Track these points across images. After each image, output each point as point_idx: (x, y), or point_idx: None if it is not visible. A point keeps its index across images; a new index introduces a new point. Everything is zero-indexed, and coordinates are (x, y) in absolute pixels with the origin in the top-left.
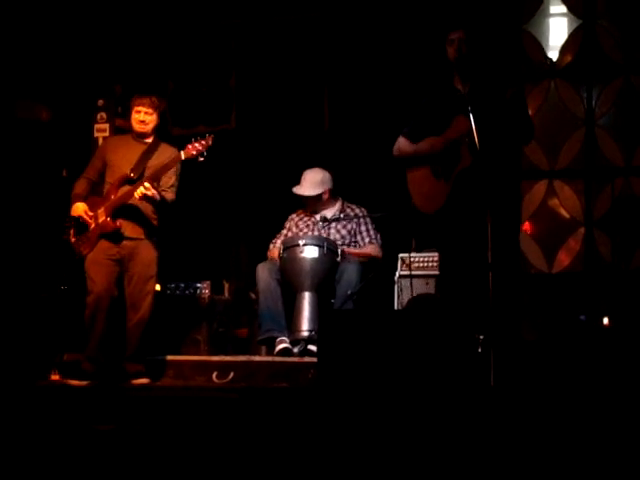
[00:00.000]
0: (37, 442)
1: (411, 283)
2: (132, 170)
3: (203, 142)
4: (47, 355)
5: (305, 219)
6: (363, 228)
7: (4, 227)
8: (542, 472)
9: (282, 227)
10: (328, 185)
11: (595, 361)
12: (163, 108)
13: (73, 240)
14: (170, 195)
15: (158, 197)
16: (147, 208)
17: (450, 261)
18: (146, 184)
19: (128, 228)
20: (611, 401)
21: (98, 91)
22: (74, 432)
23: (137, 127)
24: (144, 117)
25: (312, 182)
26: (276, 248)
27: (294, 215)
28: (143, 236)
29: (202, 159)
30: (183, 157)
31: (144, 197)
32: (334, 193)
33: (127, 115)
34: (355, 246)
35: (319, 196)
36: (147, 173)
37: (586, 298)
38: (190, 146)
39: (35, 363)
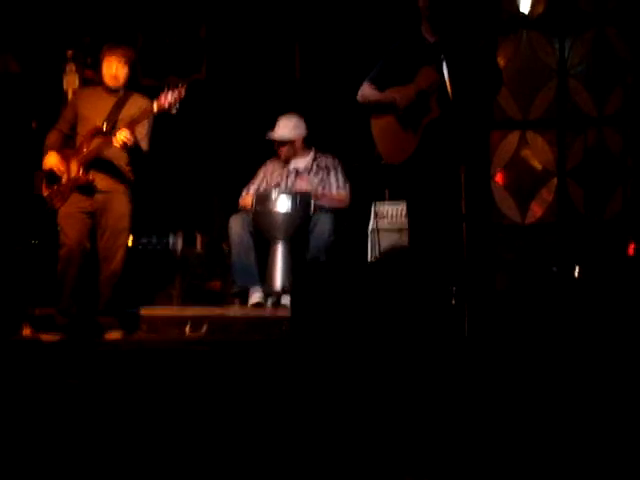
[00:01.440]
0: (8, 398)
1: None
2: (105, 122)
3: (175, 93)
4: (18, 309)
5: (278, 168)
6: (332, 175)
7: None
8: (515, 424)
9: (255, 174)
10: (301, 131)
11: (567, 312)
12: (134, 58)
13: (45, 193)
14: (144, 145)
15: (134, 144)
16: (120, 160)
17: (421, 212)
18: (125, 131)
19: (101, 181)
20: (581, 351)
21: (67, 42)
22: (46, 387)
23: (109, 81)
24: (116, 70)
25: (286, 127)
26: (249, 196)
27: (268, 162)
28: (116, 189)
29: (175, 112)
30: (155, 109)
31: (123, 145)
32: (307, 143)
33: (97, 67)
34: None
35: (292, 143)
36: (120, 125)
37: (559, 249)
38: (162, 97)
39: (6, 318)
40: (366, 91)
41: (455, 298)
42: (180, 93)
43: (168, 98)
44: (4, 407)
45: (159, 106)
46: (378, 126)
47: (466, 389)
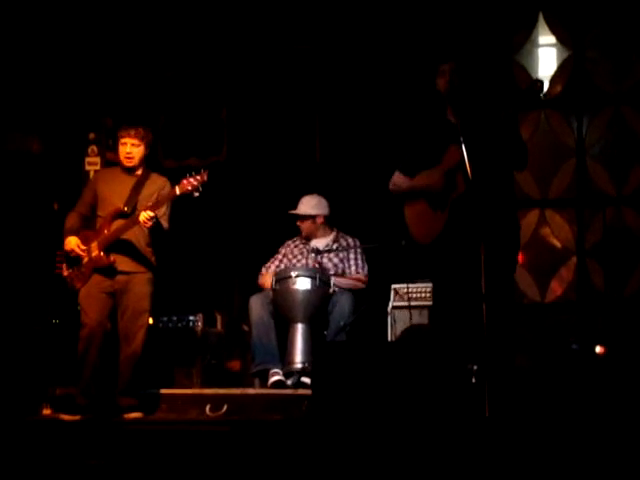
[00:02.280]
0: (30, 478)
1: (406, 314)
2: (125, 204)
3: (198, 177)
4: (39, 389)
5: (300, 246)
6: (352, 257)
7: None
8: None
9: (276, 252)
10: (324, 210)
11: (588, 389)
12: (151, 138)
13: (66, 274)
14: (165, 224)
15: (155, 224)
16: (141, 242)
17: (443, 291)
18: (148, 212)
19: (122, 262)
20: (604, 429)
21: (89, 124)
22: (66, 467)
23: (124, 161)
24: (130, 149)
25: (307, 204)
26: (268, 274)
27: (289, 242)
28: (137, 270)
29: (197, 194)
30: (178, 192)
31: (145, 225)
32: (330, 223)
33: (115, 148)
34: (344, 274)
35: (313, 220)
36: (140, 205)
37: (579, 327)
38: (185, 181)
39: (27, 397)
40: (397, 180)
41: (475, 377)
42: (203, 178)
43: (191, 182)
44: None
45: (182, 190)
46: (411, 211)
47: (487, 469)
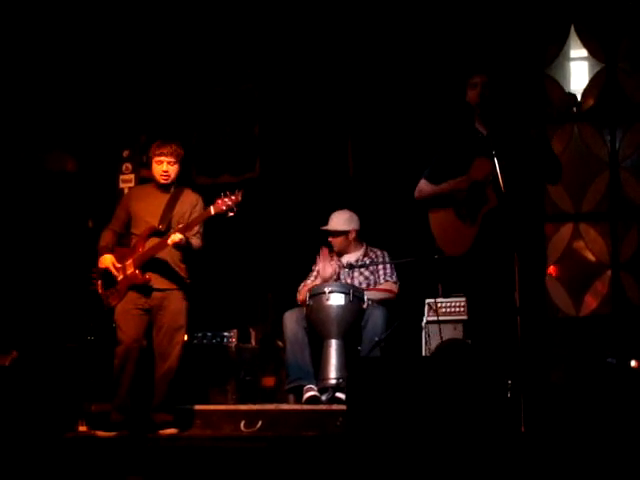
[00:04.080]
0: None
1: (440, 329)
2: (160, 222)
3: (233, 197)
4: (75, 406)
5: (331, 264)
6: (380, 267)
7: (32, 278)
8: None
9: (311, 270)
10: (355, 225)
11: (624, 404)
12: (183, 155)
13: (101, 291)
14: (197, 241)
15: (186, 243)
16: (175, 259)
17: (479, 304)
18: (178, 234)
19: (157, 280)
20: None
21: (123, 142)
22: None
23: (160, 179)
24: (167, 167)
25: (339, 220)
26: (305, 289)
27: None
28: (172, 287)
29: (232, 214)
30: (213, 212)
31: (175, 245)
32: (361, 237)
33: (149, 164)
34: (374, 286)
35: (346, 235)
36: (174, 222)
37: (614, 341)
38: (220, 201)
39: (63, 414)
40: (422, 187)
41: (511, 391)
42: (237, 198)
43: (226, 202)
44: None
45: (216, 210)
46: (436, 220)
47: None
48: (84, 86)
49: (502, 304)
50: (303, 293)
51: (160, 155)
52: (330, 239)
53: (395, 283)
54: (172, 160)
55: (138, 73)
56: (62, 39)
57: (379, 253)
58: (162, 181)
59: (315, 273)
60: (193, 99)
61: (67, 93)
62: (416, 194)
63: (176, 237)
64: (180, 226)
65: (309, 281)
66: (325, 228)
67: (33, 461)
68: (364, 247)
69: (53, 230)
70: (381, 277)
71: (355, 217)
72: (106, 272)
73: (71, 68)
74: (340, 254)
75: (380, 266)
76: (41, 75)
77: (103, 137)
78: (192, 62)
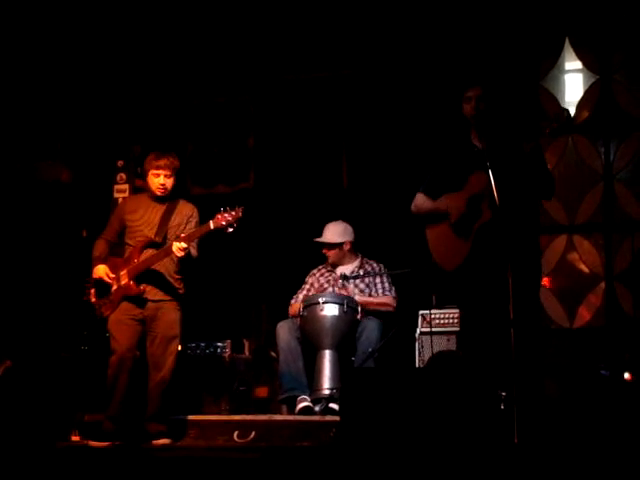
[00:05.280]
0: None
1: (431, 340)
2: (156, 234)
3: (233, 213)
4: (67, 416)
5: (326, 274)
6: (378, 280)
7: (25, 288)
8: None
9: (304, 282)
10: (349, 237)
11: (617, 416)
12: (179, 167)
13: (94, 300)
14: (194, 251)
15: (186, 255)
16: (170, 271)
17: (472, 317)
18: (183, 243)
19: (151, 291)
20: (633, 456)
21: (118, 152)
22: None
23: (157, 192)
24: (164, 180)
25: (334, 232)
26: (297, 304)
27: (315, 271)
28: (166, 298)
29: (231, 230)
30: (212, 227)
31: (178, 254)
32: (355, 249)
33: (144, 175)
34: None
35: (340, 247)
36: (170, 234)
37: (608, 353)
38: (219, 216)
39: (55, 424)
40: (419, 201)
41: (504, 403)
42: (237, 214)
43: (226, 218)
44: None
45: (216, 225)
46: (433, 234)
47: None
48: (79, 96)
49: (495, 316)
50: (293, 307)
51: (157, 168)
52: (324, 251)
53: (394, 298)
54: (169, 173)
55: (133, 84)
56: (58, 48)
57: (375, 266)
58: (159, 194)
59: (307, 286)
60: (188, 110)
61: (62, 103)
62: (413, 208)
63: (180, 245)
64: (182, 235)
65: (301, 295)
66: (319, 240)
67: (26, 470)
68: (359, 258)
69: (47, 240)
70: (379, 291)
71: (349, 228)
72: (100, 282)
73: (66, 78)
74: (334, 265)
75: (378, 280)
76: (36, 85)
77: (97, 147)
78: (187, 73)
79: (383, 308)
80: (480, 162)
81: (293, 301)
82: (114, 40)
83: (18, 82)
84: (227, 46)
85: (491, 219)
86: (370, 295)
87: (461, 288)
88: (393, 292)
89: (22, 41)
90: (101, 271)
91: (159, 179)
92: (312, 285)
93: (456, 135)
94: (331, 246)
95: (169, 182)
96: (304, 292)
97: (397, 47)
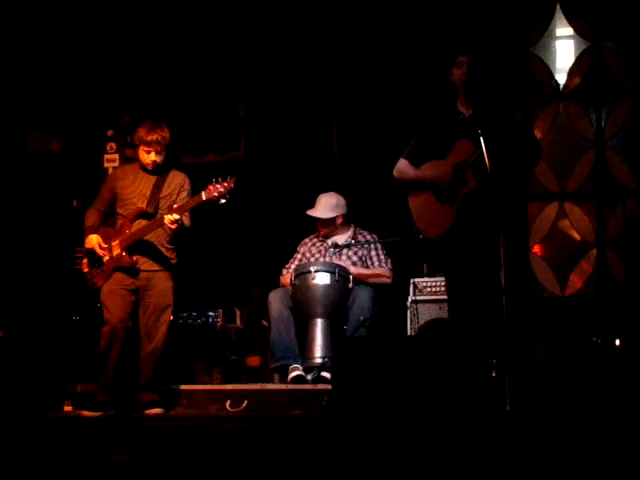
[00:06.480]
0: (50, 474)
1: (416, 308)
2: (147, 205)
3: (225, 184)
4: (60, 386)
5: (317, 244)
6: (373, 253)
7: (16, 258)
8: None
9: (295, 252)
10: (342, 210)
11: (608, 382)
12: (170, 140)
13: (86, 271)
14: (187, 221)
15: (180, 225)
16: (162, 241)
17: (460, 285)
18: (175, 214)
19: (144, 262)
20: (624, 422)
21: (107, 121)
22: (87, 463)
23: (148, 167)
24: (155, 157)
25: (326, 205)
26: (289, 274)
27: (307, 240)
28: (158, 268)
29: (223, 201)
30: (204, 198)
31: (172, 226)
32: (348, 220)
33: (135, 146)
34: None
35: (333, 220)
36: (162, 204)
37: (599, 320)
38: (212, 187)
39: (48, 394)
40: (402, 167)
41: (496, 371)
42: (230, 185)
43: (217, 188)
44: None
45: (208, 196)
46: (416, 202)
47: (508, 463)
48: (68, 65)
49: (485, 284)
50: (285, 277)
51: (149, 145)
52: (317, 224)
53: (390, 270)
54: (159, 149)
55: (122, 52)
56: (45, 18)
57: (368, 236)
58: (150, 168)
59: (298, 256)
60: (177, 78)
61: (51, 72)
62: (396, 174)
63: (172, 217)
64: (175, 206)
65: (292, 265)
66: (312, 214)
67: (18, 441)
68: (352, 229)
69: (37, 210)
70: (375, 264)
71: (342, 201)
72: (91, 252)
73: (54, 47)
74: (327, 236)
75: (373, 252)
76: (23, 55)
77: (87, 117)
78: (176, 42)
79: (379, 280)
80: (465, 129)
81: (285, 271)
82: (103, 9)
83: (6, 50)
84: (216, 14)
85: (477, 187)
86: (366, 267)
87: (448, 256)
88: (389, 264)
89: (11, 9)
90: (94, 241)
91: (150, 155)
92: (304, 255)
93: (441, 102)
94: (324, 220)
95: (160, 157)
96: (296, 262)
97: (386, 14)
